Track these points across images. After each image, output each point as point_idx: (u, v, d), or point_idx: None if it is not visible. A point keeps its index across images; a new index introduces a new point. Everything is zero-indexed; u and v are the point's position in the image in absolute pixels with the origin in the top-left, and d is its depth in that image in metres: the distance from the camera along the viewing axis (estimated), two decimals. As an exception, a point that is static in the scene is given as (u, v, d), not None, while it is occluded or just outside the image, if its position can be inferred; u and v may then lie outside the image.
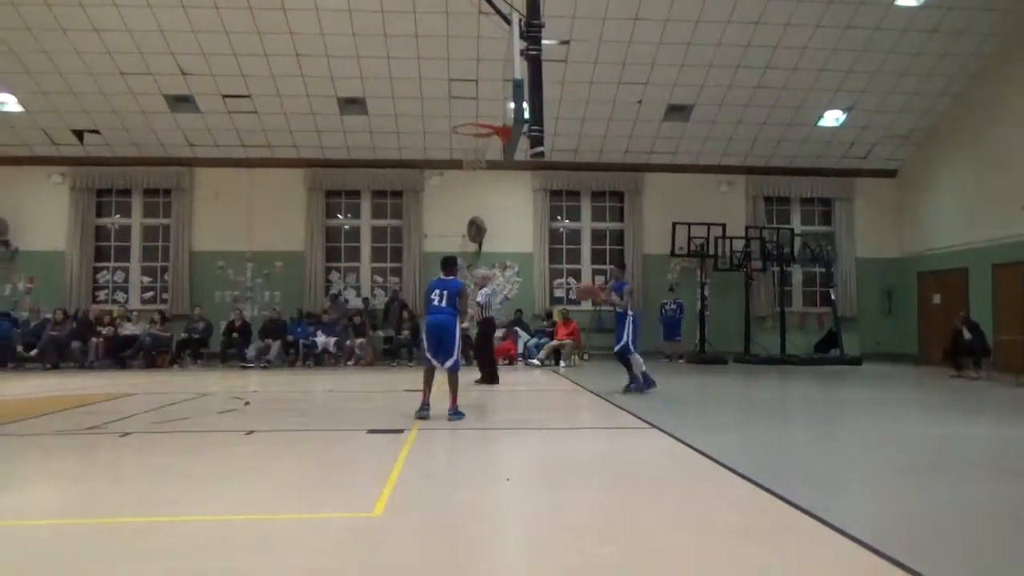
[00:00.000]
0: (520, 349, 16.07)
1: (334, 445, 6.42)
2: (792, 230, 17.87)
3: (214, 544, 3.60)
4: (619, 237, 18.14)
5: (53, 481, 5.19)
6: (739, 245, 17.27)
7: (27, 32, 13.48)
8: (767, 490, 4.52)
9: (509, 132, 9.21)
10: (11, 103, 15.23)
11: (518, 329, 16.39)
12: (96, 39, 13.71)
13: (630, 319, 9.77)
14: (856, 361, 16.16)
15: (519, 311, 16.89)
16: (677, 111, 16.38)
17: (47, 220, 16.60)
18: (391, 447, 6.01)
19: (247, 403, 9.11)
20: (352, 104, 15.77)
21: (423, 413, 7.56)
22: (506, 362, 15.68)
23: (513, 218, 17.46)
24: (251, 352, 15.43)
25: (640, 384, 9.89)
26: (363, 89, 15.30)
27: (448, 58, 14.52)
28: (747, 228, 17.51)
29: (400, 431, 6.77)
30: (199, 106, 15.50)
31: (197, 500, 4.45)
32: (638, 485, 4.93)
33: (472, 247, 17.23)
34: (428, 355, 7.73)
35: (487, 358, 11.42)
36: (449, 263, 8.08)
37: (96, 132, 16.08)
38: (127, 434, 6.76)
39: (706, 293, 16.96)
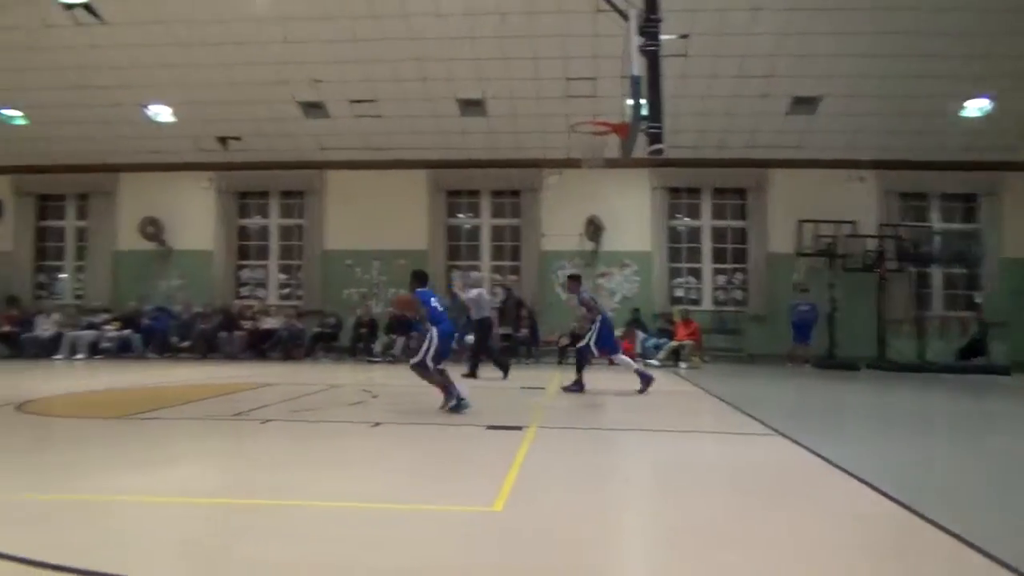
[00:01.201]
0: (638, 349, 15.89)
1: (455, 440, 6.58)
2: (930, 228, 16.71)
3: (341, 530, 3.78)
4: (741, 235, 17.57)
5: (202, 462, 5.60)
6: (871, 244, 16.31)
7: (180, 48, 14.56)
8: (904, 506, 4.25)
9: (627, 129, 9.11)
10: (166, 114, 16.50)
11: (636, 329, 16.21)
12: (238, 52, 14.63)
13: (598, 323, 10.15)
14: (1004, 371, 14.88)
15: (636, 310, 16.70)
16: (803, 103, 15.68)
17: (197, 221, 17.88)
18: (510, 443, 6.09)
19: (374, 396, 9.48)
20: (472, 106, 16.07)
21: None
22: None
23: (631, 216, 17.26)
24: (377, 347, 16.04)
25: (645, 378, 10.08)
26: (482, 91, 15.56)
27: (565, 57, 14.53)
28: (880, 226, 16.52)
29: (519, 428, 6.84)
30: (329, 112, 16.24)
31: (327, 486, 4.68)
32: (761, 493, 4.77)
33: (590, 246, 17.18)
34: (438, 362, 7.94)
35: (476, 354, 12.17)
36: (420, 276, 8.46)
37: (238, 139, 17.17)
38: (267, 421, 7.19)
39: (835, 295, 16.14)
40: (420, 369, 7.97)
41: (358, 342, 16.36)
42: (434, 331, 7.94)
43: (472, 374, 11.97)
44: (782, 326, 16.22)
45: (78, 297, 18.32)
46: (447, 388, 7.97)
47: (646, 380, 10.15)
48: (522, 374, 10.78)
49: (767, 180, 17.22)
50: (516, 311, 16.33)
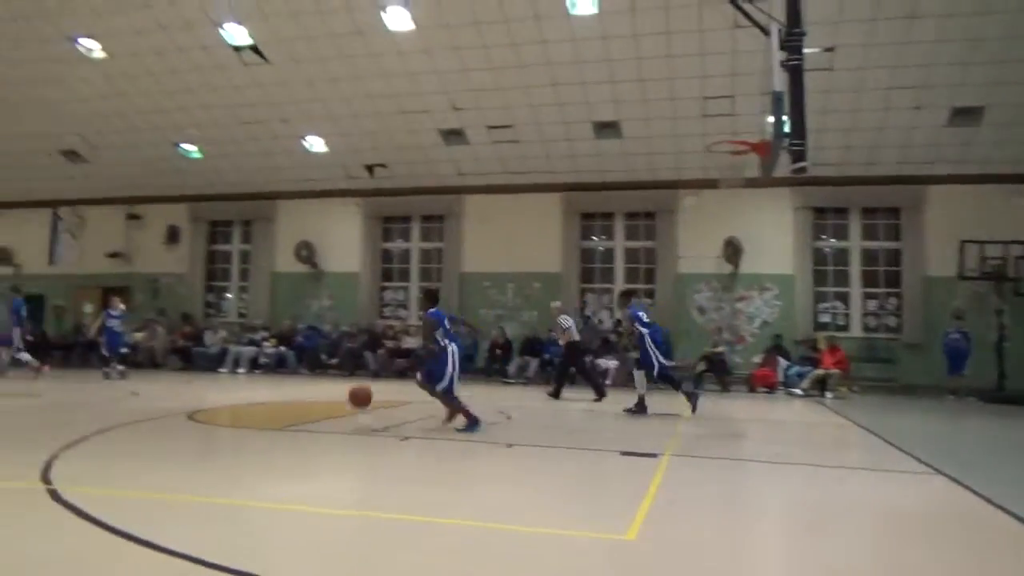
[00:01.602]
0: (780, 377, 15.16)
1: (588, 464, 6.52)
2: (1120, 247, 14.92)
3: (473, 549, 3.82)
4: (894, 257, 16.43)
5: (346, 475, 5.87)
6: (1047, 264, 14.76)
7: (332, 83, 15.53)
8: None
9: (768, 147, 8.79)
10: (319, 145, 17.61)
11: (778, 356, 15.47)
12: (384, 84, 15.40)
13: (647, 339, 9.98)
14: None
15: (778, 336, 15.94)
16: (964, 114, 14.51)
17: (345, 245, 18.91)
18: (644, 471, 5.97)
19: (509, 417, 9.58)
20: (607, 128, 16.06)
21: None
22: (765, 391, 14.89)
23: (772, 237, 16.58)
24: (512, 368, 16.23)
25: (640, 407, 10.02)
26: (617, 113, 15.52)
27: (702, 76, 14.24)
28: (1058, 245, 14.94)
29: (653, 455, 6.69)
30: (468, 138, 16.75)
31: (461, 505, 4.75)
32: (915, 536, 4.39)
33: (728, 268, 16.64)
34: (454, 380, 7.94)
35: (561, 376, 12.54)
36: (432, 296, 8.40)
37: (384, 166, 18.04)
38: (406, 438, 7.43)
39: (1004, 321, 14.71)
40: (446, 393, 7.98)
41: (493, 363, 16.62)
42: (453, 348, 7.94)
43: (556, 394, 12.29)
44: (940, 355, 14.96)
45: (241, 315, 19.79)
46: (458, 406, 8.00)
47: (640, 407, 10.09)
48: (655, 400, 10.53)
49: (923, 198, 16.04)
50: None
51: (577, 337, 12.54)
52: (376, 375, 16.66)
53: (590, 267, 17.95)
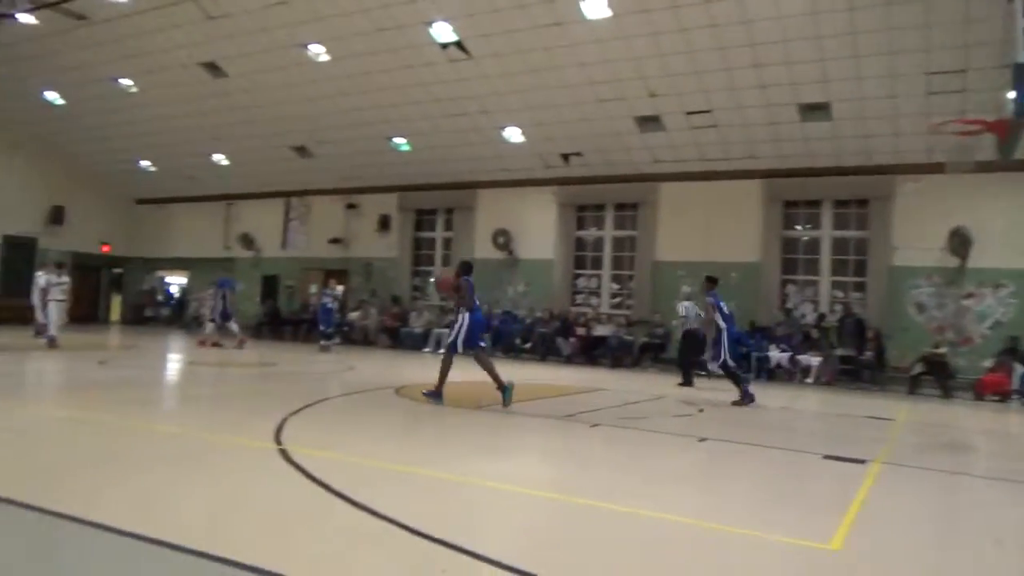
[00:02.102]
0: (1015, 384, 13.43)
1: (787, 466, 6.19)
2: None
3: (668, 543, 3.77)
4: None
5: (538, 457, 6.02)
6: None
7: (531, 74, 15.84)
8: None
9: (1007, 126, 7.79)
10: (516, 135, 18.06)
11: (1013, 361, 13.69)
12: (581, 73, 15.46)
13: (724, 334, 9.96)
14: None
15: (1015, 339, 14.10)
16: None
17: (539, 233, 19.29)
18: (851, 477, 5.56)
19: (701, 410, 9.32)
20: (814, 110, 15.01)
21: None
22: (996, 399, 13.29)
23: (1010, 227, 14.64)
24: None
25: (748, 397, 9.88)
26: (826, 93, 14.45)
27: (927, 49, 12.85)
28: None
29: (861, 462, 6.21)
30: (664, 124, 16.39)
31: (651, 496, 4.70)
32: None
33: (953, 261, 14.96)
34: (469, 346, 8.38)
35: (687, 364, 12.87)
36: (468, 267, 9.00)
37: (579, 155, 18.15)
38: (596, 425, 7.48)
39: None
40: (448, 350, 8.45)
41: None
42: (466, 317, 8.38)
43: (686, 382, 12.59)
44: None
45: (443, 299, 20.86)
46: (441, 378, 8.42)
47: (747, 397, 9.93)
48: (865, 402, 9.75)
49: None
50: (857, 331, 14.84)
51: (695, 326, 12.82)
52: (568, 361, 16.89)
53: (792, 258, 16.93)
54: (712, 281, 10.92)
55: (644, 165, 17.72)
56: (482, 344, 8.74)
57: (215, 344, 16.04)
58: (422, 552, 3.39)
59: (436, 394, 8.40)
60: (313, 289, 22.00)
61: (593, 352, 16.95)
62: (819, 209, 16.74)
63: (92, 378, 10.12)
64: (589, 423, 7.59)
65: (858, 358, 14.71)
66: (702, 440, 6.95)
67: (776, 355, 15.20)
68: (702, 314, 13.47)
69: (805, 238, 16.88)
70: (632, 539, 3.78)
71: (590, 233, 19.19)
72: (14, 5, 16.00)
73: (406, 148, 19.41)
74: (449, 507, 4.23)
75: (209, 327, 16.48)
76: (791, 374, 15.01)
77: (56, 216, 23.53)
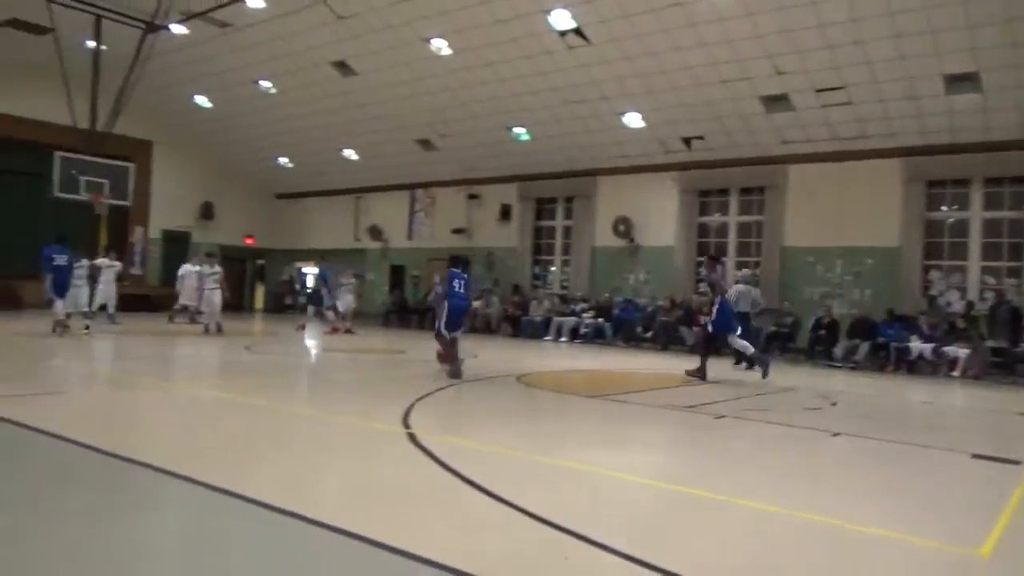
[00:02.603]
0: None
1: (928, 464, 5.80)
2: None
3: (806, 544, 3.62)
4: None
5: (659, 448, 5.94)
6: None
7: (651, 57, 15.53)
8: None
9: None
10: (636, 121, 17.75)
11: None
12: (703, 54, 14.99)
13: (717, 306, 10.78)
14: None
15: None
16: None
17: (660, 219, 18.93)
18: (1002, 478, 5.14)
19: (834, 404, 8.89)
20: (961, 81, 13.84)
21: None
22: None
23: None
24: (838, 351, 14.97)
25: (758, 359, 10.79)
26: (976, 62, 13.29)
27: (1100, 8, 11.55)
28: None
29: (1016, 463, 5.72)
30: (793, 104, 15.63)
31: (786, 494, 4.52)
32: None
33: None
34: (452, 330, 9.68)
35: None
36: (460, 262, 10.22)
37: (700, 138, 17.63)
38: (721, 417, 7.29)
39: None
40: (438, 337, 9.83)
41: (816, 344, 15.48)
42: (445, 304, 9.77)
43: (745, 362, 12.45)
44: None
45: (563, 287, 20.94)
46: (452, 358, 9.58)
47: (764, 364, 10.64)
48: (1019, 398, 8.96)
49: None
50: (1012, 322, 13.61)
51: (745, 309, 12.82)
52: (691, 350, 16.50)
53: (936, 242, 15.74)
54: (714, 260, 11.47)
55: (771, 147, 16.99)
56: (460, 329, 9.95)
57: (347, 331, 16.85)
58: (546, 538, 3.44)
59: (454, 371, 9.50)
60: (437, 279, 22.63)
61: (717, 341, 16.44)
62: (967, 188, 15.47)
63: (240, 362, 10.91)
64: (713, 414, 7.40)
65: (1012, 350, 13.51)
66: (835, 435, 6.62)
67: (918, 346, 14.20)
68: (761, 302, 14.06)
69: (951, 220, 15.66)
70: (767, 537, 3.67)
71: (713, 219, 18.63)
72: (167, 17, 17.33)
73: (526, 138, 19.54)
74: (573, 495, 4.26)
75: (329, 315, 17.30)
76: (935, 367, 13.98)
77: (207, 211, 25.49)
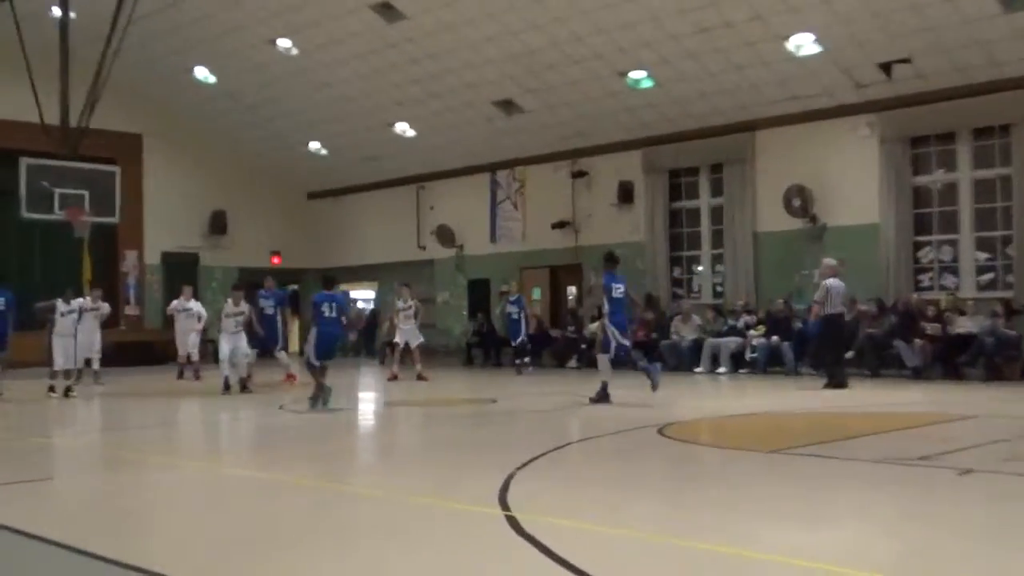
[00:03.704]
0: None
1: None
2: None
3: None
4: None
5: (877, 523, 5.71)
6: None
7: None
8: None
9: None
10: (808, 44, 17.29)
11: None
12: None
13: (606, 320, 12.29)
14: None
15: None
16: None
17: (854, 185, 18.34)
18: None
19: None
20: None
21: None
22: None
23: None
24: None
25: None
26: None
27: None
28: None
29: None
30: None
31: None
32: None
33: None
34: (320, 360, 12.27)
35: (833, 359, 14.38)
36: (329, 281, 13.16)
37: (906, 61, 17.03)
38: (967, 471, 6.97)
39: None
40: (307, 365, 12.69)
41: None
42: (314, 331, 12.29)
43: (836, 384, 13.98)
44: None
45: (716, 294, 20.60)
46: (318, 385, 12.20)
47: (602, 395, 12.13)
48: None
49: None
50: None
51: (840, 309, 13.90)
52: (916, 375, 15.91)
53: None
54: (613, 260, 12.66)
55: (1017, 67, 16.21)
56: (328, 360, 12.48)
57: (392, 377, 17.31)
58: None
59: (314, 399, 12.20)
60: (537, 295, 22.85)
61: (955, 359, 15.83)
62: None
63: (274, 426, 11.25)
64: (956, 468, 7.09)
65: None
66: None
67: None
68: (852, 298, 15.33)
69: None
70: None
71: (934, 178, 17.97)
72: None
73: (648, 84, 19.44)
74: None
75: (282, 356, 16.70)
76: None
77: (218, 224, 26.51)
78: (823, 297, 14.23)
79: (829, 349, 14.79)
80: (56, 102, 19.01)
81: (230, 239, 26.72)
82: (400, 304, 18.15)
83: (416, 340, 17.83)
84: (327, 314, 12.17)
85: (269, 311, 15.98)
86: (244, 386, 14.80)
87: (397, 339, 17.90)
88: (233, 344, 15.03)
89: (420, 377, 17.08)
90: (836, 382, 14.15)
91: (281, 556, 5.00)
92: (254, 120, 25.07)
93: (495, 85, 20.82)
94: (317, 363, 12.19)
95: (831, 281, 14.29)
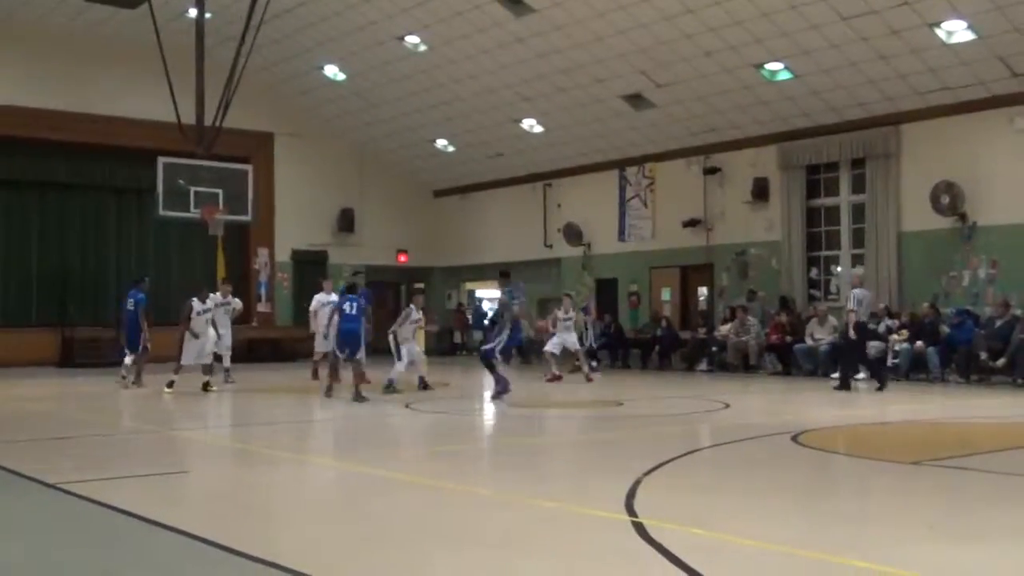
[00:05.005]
0: None
1: None
2: None
3: None
4: None
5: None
6: None
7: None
8: None
9: None
10: (960, 31, 16.70)
11: None
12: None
13: (507, 328, 13.85)
14: None
15: None
16: None
17: (1008, 181, 17.62)
18: None
19: None
20: None
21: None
22: None
23: None
24: None
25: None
26: None
27: None
28: None
29: None
30: None
31: None
32: None
33: None
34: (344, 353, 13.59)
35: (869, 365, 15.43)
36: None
37: (1069, 50, 16.29)
38: None
39: None
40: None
41: None
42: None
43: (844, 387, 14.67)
44: None
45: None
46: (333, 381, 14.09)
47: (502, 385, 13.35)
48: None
49: None
50: None
51: (864, 317, 14.51)
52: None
53: None
54: (505, 276, 14.42)
55: None
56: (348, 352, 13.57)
57: (555, 378, 17.37)
58: None
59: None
60: (666, 296, 22.67)
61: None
62: None
63: (400, 426, 11.49)
64: None
65: None
66: None
67: None
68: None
69: None
70: None
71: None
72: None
73: (785, 76, 19.14)
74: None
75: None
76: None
77: (346, 222, 27.20)
78: (856, 305, 14.78)
79: (860, 356, 15.69)
80: (191, 102, 19.81)
81: (357, 236, 27.39)
82: (560, 314, 18.29)
83: (575, 346, 18.17)
84: (347, 311, 13.47)
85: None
86: (425, 384, 15.17)
87: (549, 347, 18.06)
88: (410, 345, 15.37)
89: (588, 379, 17.39)
90: (845, 385, 14.91)
91: (406, 556, 5.11)
92: (381, 117, 25.65)
93: (624, 79, 20.80)
94: (340, 356, 13.80)
95: (858, 291, 15.01)
